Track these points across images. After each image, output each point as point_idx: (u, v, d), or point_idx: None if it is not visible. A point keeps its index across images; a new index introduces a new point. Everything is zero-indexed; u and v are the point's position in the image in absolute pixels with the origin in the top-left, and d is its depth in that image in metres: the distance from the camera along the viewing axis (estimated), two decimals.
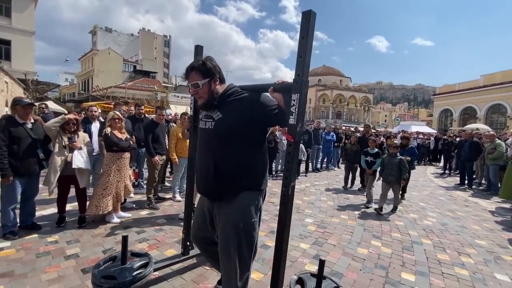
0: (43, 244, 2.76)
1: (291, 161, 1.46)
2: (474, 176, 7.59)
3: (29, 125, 2.94)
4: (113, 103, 14.43)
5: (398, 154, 4.55)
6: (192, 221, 2.02)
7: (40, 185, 3.19)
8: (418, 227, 3.87)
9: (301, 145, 6.99)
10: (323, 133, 8.54)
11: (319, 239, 3.26)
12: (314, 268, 2.55)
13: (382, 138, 13.33)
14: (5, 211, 2.84)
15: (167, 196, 4.64)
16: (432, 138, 13.04)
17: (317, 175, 7.74)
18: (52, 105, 21.19)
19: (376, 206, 4.53)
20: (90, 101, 30.63)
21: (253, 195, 1.60)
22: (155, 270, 2.10)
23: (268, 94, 1.57)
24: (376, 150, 5.08)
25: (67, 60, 35.06)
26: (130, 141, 3.49)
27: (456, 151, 8.46)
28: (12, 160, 2.77)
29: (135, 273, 1.79)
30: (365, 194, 5.13)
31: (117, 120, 3.37)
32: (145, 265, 1.90)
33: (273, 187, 5.90)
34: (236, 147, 1.56)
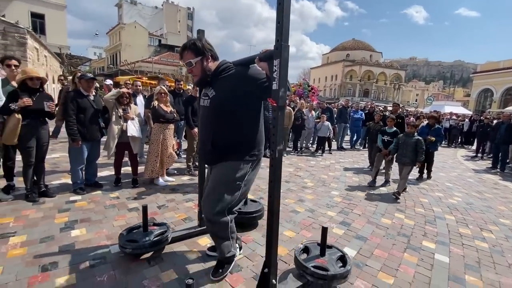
0: (107, 199, 3.30)
1: (276, 126, 1.49)
2: (508, 160, 7.30)
3: (92, 97, 3.37)
4: (144, 77, 14.99)
5: (415, 133, 4.25)
6: None
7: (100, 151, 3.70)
8: (443, 204, 3.98)
9: (327, 122, 7.10)
10: (352, 111, 8.47)
11: (345, 209, 3.52)
12: (341, 233, 2.85)
13: (412, 118, 12.90)
14: (75, 171, 3.38)
15: None
16: (466, 120, 12.35)
17: (342, 153, 7.85)
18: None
19: (389, 185, 4.64)
20: (119, 75, 31.91)
21: (241, 164, 1.76)
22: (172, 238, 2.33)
23: (257, 66, 1.64)
24: (394, 129, 4.80)
25: (96, 34, 36.19)
26: (174, 114, 3.85)
27: (491, 134, 8.08)
28: (80, 127, 3.23)
29: (154, 238, 2.13)
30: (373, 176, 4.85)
31: (163, 94, 3.71)
32: (163, 233, 2.22)
33: (299, 162, 6.15)
34: (230, 121, 1.71)
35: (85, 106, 3.26)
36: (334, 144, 8.28)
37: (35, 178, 3.14)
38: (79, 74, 3.85)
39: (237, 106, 1.68)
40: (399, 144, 4.29)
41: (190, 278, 1.25)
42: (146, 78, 14.10)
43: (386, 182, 4.78)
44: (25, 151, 2.93)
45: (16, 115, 2.76)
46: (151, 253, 2.18)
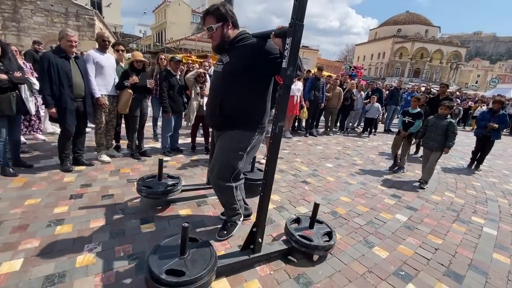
0: (189, 161, 4.04)
1: (281, 103, 1.52)
2: None
3: (178, 76, 4.03)
4: (192, 56, 15.80)
5: (448, 116, 3.77)
6: None
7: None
8: (496, 189, 4.04)
9: (377, 104, 7.11)
10: (406, 93, 8.23)
11: (394, 184, 3.83)
12: (392, 203, 3.20)
13: (470, 103, 11.94)
14: (165, 137, 4.15)
15: None
16: None
17: (389, 135, 7.83)
18: (137, 55, 24.23)
19: (403, 172, 4.39)
20: (166, 53, 33.67)
21: (245, 134, 1.85)
22: (182, 190, 2.70)
23: (272, 42, 1.65)
24: (418, 110, 4.35)
25: (144, 13, 37.96)
26: None
27: None
28: (170, 101, 3.94)
29: (166, 188, 2.49)
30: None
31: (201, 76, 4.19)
32: (175, 184, 2.59)
33: (346, 142, 6.41)
34: (238, 90, 1.76)
35: (174, 84, 3.94)
36: (380, 127, 8.25)
37: (137, 141, 3.97)
38: (162, 56, 4.55)
39: (246, 75, 1.73)
40: (428, 126, 3.86)
41: (186, 222, 1.51)
42: (195, 57, 14.89)
43: (400, 168, 4.44)
44: (132, 119, 3.72)
45: (129, 90, 3.51)
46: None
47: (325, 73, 10.98)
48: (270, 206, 2.79)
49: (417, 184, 3.89)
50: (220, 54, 1.88)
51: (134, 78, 3.51)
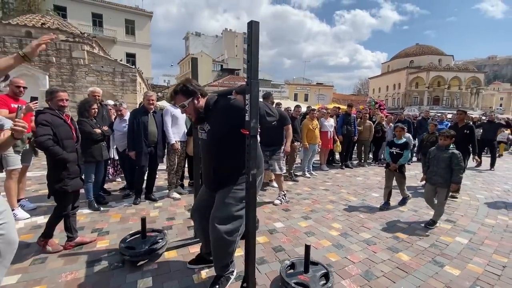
0: None
1: (250, 152, 1.67)
2: None
3: None
4: None
5: (450, 146, 3.36)
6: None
7: None
8: None
9: (407, 134, 7.38)
10: (436, 122, 8.45)
11: (446, 210, 3.96)
12: (449, 227, 3.35)
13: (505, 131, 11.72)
14: None
15: (298, 173, 6.01)
16: None
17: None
18: (165, 104, 26.68)
19: (410, 199, 4.19)
20: None
21: (242, 185, 1.87)
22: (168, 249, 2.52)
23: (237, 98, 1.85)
24: (404, 140, 4.07)
25: (172, 65, 42.12)
26: None
27: None
28: None
29: (150, 246, 2.34)
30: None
31: None
32: (160, 240, 2.45)
33: (383, 173, 6.57)
34: (226, 150, 1.89)
35: None
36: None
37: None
38: None
39: (229, 136, 1.86)
40: (430, 159, 3.51)
41: None
42: None
43: (404, 199, 4.18)
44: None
45: None
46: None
47: (341, 106, 11.60)
48: (334, 233, 3.09)
49: (469, 209, 3.99)
50: (201, 124, 1.99)
51: None
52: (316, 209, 3.86)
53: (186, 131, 4.20)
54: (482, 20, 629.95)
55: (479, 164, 7.69)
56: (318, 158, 6.87)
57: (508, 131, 10.74)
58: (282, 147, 4.24)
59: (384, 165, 4.31)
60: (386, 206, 4.01)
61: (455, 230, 3.27)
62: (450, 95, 42.37)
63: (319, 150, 6.52)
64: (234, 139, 1.84)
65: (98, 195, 3.84)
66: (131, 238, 2.53)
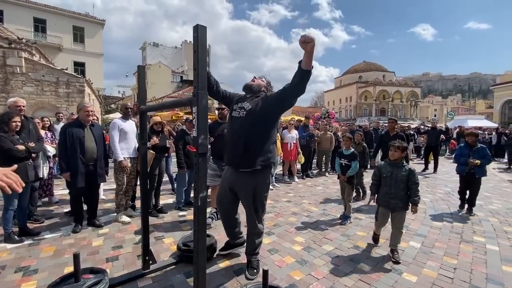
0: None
1: (198, 173, 1.43)
2: None
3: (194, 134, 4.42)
4: (181, 112, 16.53)
5: (404, 162, 2.86)
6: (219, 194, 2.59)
7: None
8: (484, 210, 4.51)
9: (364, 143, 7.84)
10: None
11: None
12: (403, 231, 3.50)
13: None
14: (180, 192, 4.33)
15: None
16: (494, 133, 12.59)
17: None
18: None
19: (350, 222, 3.79)
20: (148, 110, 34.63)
21: (268, 170, 2.35)
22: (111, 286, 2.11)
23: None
24: (352, 150, 4.01)
25: (127, 75, 39.83)
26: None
27: None
28: (185, 158, 4.24)
29: None
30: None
31: None
32: (97, 283, 1.94)
33: None
34: (260, 131, 2.22)
35: (189, 142, 4.30)
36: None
37: (153, 199, 4.10)
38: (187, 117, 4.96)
39: (266, 120, 2.24)
40: (384, 178, 2.87)
41: None
42: (183, 113, 15.65)
43: (346, 218, 3.83)
44: (151, 177, 3.92)
45: (150, 150, 3.80)
46: None
47: (300, 118, 12.11)
48: (298, 247, 2.99)
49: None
50: (240, 103, 2.33)
51: (155, 140, 3.84)
52: (279, 223, 3.75)
53: (137, 146, 3.82)
54: (416, 42, 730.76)
55: (424, 169, 8.52)
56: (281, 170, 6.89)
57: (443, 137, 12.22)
58: None
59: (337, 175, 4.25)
60: (345, 221, 3.79)
61: (408, 234, 3.42)
62: (394, 107, 47.25)
63: (280, 161, 6.54)
64: (269, 122, 2.26)
65: (24, 225, 3.21)
66: (61, 283, 1.98)
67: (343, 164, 3.98)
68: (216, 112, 3.81)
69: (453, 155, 4.59)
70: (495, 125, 21.58)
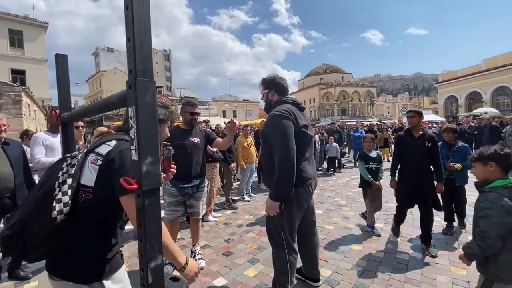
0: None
1: (144, 225, 0.77)
2: None
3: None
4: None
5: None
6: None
7: None
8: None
9: (334, 143, 7.69)
10: (352, 130, 9.22)
11: (387, 220, 3.90)
12: (398, 240, 3.19)
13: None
14: None
15: (236, 197, 5.31)
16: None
17: (350, 170, 8.38)
18: None
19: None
20: (104, 120, 31.71)
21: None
22: None
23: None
24: (376, 152, 3.72)
25: (77, 83, 36.13)
26: (219, 153, 4.20)
27: (476, 137, 9.04)
28: None
29: None
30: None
31: None
32: None
33: (319, 184, 6.53)
34: (267, 149, 1.94)
35: None
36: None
37: None
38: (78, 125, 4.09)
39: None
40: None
41: None
42: None
43: (372, 227, 3.46)
44: None
45: None
46: None
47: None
48: None
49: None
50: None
51: None
52: (262, 245, 3.20)
53: None
54: (367, 46, 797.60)
55: None
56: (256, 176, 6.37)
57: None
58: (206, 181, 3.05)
59: (359, 185, 3.73)
60: (374, 231, 3.39)
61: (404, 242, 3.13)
62: (354, 106, 50.01)
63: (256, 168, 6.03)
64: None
65: None
66: None
67: (373, 168, 3.54)
68: (185, 117, 2.76)
69: None
70: (442, 118, 23.81)
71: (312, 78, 56.53)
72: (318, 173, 7.88)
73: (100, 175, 0.97)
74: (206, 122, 5.30)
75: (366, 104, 51.13)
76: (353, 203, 4.79)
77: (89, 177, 0.98)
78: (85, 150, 1.06)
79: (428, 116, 23.51)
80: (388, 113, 76.12)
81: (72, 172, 0.98)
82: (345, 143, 9.39)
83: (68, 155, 1.10)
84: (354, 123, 11.70)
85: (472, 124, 10.43)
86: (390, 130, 10.05)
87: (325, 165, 8.47)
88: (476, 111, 22.11)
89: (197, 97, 48.19)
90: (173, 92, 57.29)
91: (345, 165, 9.07)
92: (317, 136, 8.38)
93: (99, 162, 0.99)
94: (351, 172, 8.04)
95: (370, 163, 3.55)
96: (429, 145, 2.89)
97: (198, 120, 2.95)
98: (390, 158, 9.33)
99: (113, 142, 1.04)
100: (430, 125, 13.83)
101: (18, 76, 24.26)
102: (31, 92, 15.30)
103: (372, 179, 3.47)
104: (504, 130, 7.68)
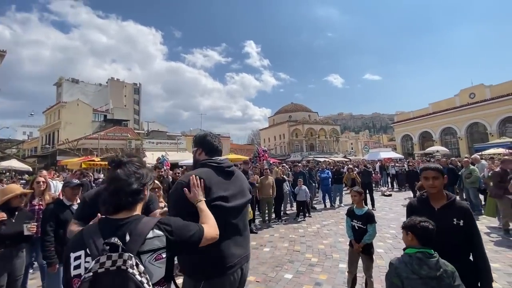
0: None
1: None
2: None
3: (75, 206, 2.89)
4: (96, 158, 13.66)
5: None
6: None
7: None
8: None
9: (304, 186, 7.35)
10: (318, 171, 9.04)
11: (363, 284, 3.40)
12: None
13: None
14: None
15: None
16: (405, 165, 14.28)
17: (319, 213, 7.98)
18: (15, 164, 19.62)
19: None
20: (58, 155, 28.72)
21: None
22: None
23: None
24: (366, 209, 3.16)
25: (32, 114, 33.11)
26: None
27: None
28: (58, 247, 2.66)
29: None
30: None
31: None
32: None
33: (289, 233, 5.95)
34: None
35: (67, 218, 2.76)
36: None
37: None
38: (41, 178, 3.35)
39: None
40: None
41: None
42: (99, 159, 12.97)
43: None
44: None
45: None
46: None
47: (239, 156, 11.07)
48: None
49: (384, 272, 3.59)
50: None
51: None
52: None
53: None
54: (330, 87, 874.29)
55: None
56: None
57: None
58: None
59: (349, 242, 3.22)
60: None
61: None
62: (321, 143, 52.20)
63: None
64: None
65: None
66: None
67: (356, 227, 3.08)
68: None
69: None
70: (400, 156, 25.40)
71: (282, 116, 58.81)
72: (288, 220, 7.35)
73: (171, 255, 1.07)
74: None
75: (332, 140, 53.75)
76: (325, 261, 4.26)
77: (159, 271, 1.03)
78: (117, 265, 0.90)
79: (389, 153, 24.99)
80: (352, 148, 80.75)
81: None
82: (313, 184, 9.02)
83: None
84: (322, 159, 11.69)
85: None
86: (357, 169, 10.08)
87: (294, 208, 8.03)
88: (429, 150, 24.10)
89: (166, 131, 46.76)
90: (141, 125, 55.23)
91: (316, 208, 8.67)
92: (286, 178, 8.03)
93: (164, 254, 1.04)
94: (321, 216, 7.63)
95: (354, 220, 3.14)
96: (461, 222, 1.81)
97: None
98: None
99: (157, 231, 1.06)
100: (393, 163, 14.40)
101: None
102: None
103: (353, 238, 3.09)
104: (460, 173, 8.05)
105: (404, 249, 1.67)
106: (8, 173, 17.41)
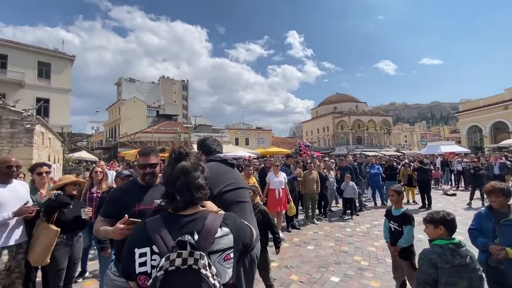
0: None
1: None
2: None
3: None
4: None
5: None
6: None
7: None
8: None
9: (351, 182, 6.83)
10: (367, 166, 8.33)
11: None
12: None
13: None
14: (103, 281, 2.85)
15: None
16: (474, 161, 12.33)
17: (369, 212, 7.36)
18: (85, 154, 22.54)
19: None
20: (119, 147, 32.36)
21: None
22: None
23: None
24: (403, 209, 2.86)
25: (97, 111, 37.81)
26: None
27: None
28: None
29: None
30: None
31: None
32: None
33: (335, 232, 5.61)
34: None
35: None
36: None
37: None
38: (98, 168, 3.62)
39: None
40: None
41: None
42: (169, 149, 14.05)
43: None
44: (55, 274, 2.46)
45: (52, 227, 2.39)
46: None
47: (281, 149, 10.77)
48: None
49: None
50: None
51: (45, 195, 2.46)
52: None
53: (23, 228, 2.41)
54: (381, 75, 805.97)
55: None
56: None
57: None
58: None
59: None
60: None
61: None
62: (369, 135, 48.62)
63: None
64: None
65: None
66: None
67: (392, 229, 2.87)
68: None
69: (468, 229, 2.44)
70: (467, 150, 22.16)
71: (326, 107, 56.29)
72: (335, 218, 6.95)
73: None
74: None
75: (382, 133, 49.59)
76: (377, 265, 3.86)
77: (228, 273, 1.00)
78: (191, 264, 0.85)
79: (451, 147, 21.97)
80: (406, 142, 73.57)
81: None
82: (363, 180, 8.33)
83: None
84: (371, 153, 10.73)
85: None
86: (413, 164, 8.87)
87: (340, 205, 7.55)
88: (504, 143, 20.48)
89: (212, 125, 48.90)
90: (188, 120, 58.74)
91: (366, 205, 7.99)
92: (332, 173, 7.57)
93: (232, 254, 1.01)
94: (371, 215, 7.02)
95: (391, 221, 2.91)
96: None
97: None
98: (417, 199, 8.23)
99: (225, 229, 1.02)
100: (459, 159, 12.58)
101: (43, 104, 25.62)
102: (46, 120, 15.70)
103: (389, 240, 2.92)
104: None
105: (429, 241, 1.89)
106: (85, 163, 20.35)
